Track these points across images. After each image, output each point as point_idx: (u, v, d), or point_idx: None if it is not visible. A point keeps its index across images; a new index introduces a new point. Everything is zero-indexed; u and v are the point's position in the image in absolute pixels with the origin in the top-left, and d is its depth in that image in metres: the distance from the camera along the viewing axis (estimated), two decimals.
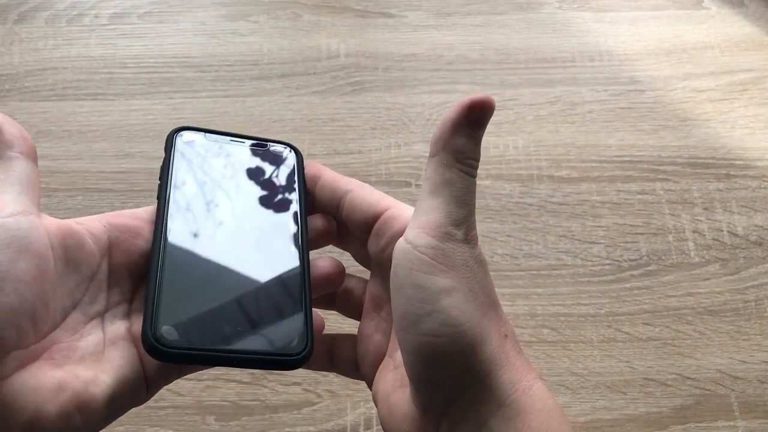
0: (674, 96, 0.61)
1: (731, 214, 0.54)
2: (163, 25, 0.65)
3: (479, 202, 0.54)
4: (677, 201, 0.55)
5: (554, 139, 0.58)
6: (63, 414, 0.21)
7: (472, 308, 0.23)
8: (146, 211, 0.27)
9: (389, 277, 0.25)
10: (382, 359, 0.28)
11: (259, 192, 0.30)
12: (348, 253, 0.32)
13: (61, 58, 0.62)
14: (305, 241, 0.29)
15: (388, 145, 0.58)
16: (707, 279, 0.51)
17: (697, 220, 0.54)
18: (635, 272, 0.52)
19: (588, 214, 0.54)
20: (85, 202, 0.54)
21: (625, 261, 0.52)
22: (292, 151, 0.32)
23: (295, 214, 0.30)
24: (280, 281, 0.27)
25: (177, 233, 0.26)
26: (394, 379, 0.27)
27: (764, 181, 0.56)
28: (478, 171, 0.25)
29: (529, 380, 0.24)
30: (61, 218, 0.25)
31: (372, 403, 0.46)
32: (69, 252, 0.24)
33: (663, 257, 0.52)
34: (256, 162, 0.31)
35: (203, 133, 0.30)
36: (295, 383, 0.47)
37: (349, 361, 0.30)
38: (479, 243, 0.25)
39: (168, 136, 0.30)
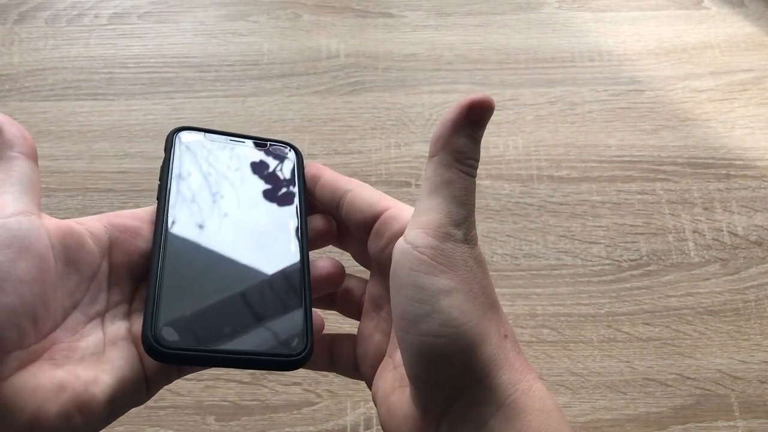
0: (674, 96, 0.61)
1: (731, 214, 0.54)
2: (163, 25, 0.65)
3: (479, 202, 0.54)
4: (677, 201, 0.55)
5: (554, 139, 0.58)
6: (63, 414, 0.21)
7: (472, 308, 0.23)
8: (146, 211, 0.27)
9: (389, 277, 0.25)
10: (382, 359, 0.28)
11: (259, 192, 0.30)
12: (348, 253, 0.32)
13: (61, 58, 0.62)
14: (305, 242, 0.29)
15: (388, 145, 0.58)
16: (707, 279, 0.51)
17: (697, 220, 0.54)
18: (635, 272, 0.52)
19: (588, 214, 0.54)
20: (85, 202, 0.54)
21: (625, 261, 0.52)
22: (292, 150, 0.32)
23: (295, 214, 0.30)
24: (280, 281, 0.27)
25: (177, 233, 0.26)
26: (393, 379, 0.27)
27: (764, 181, 0.56)
28: (478, 171, 0.25)
29: (528, 380, 0.24)
30: (61, 218, 0.25)
31: (372, 403, 0.46)
32: (69, 252, 0.24)
33: (663, 257, 0.52)
34: (256, 162, 0.31)
35: (203, 133, 0.30)
36: (295, 383, 0.47)
37: (349, 360, 0.30)
38: (479, 243, 0.25)
39: (168, 136, 0.30)
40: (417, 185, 0.55)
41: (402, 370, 0.26)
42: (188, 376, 0.38)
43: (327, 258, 0.30)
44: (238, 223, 0.28)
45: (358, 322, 0.31)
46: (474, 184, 0.25)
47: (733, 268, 0.52)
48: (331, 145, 0.57)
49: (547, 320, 0.50)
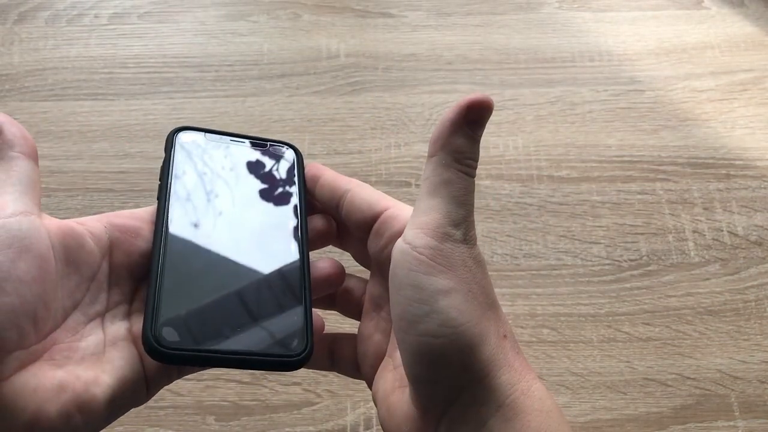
0: (674, 96, 0.61)
1: (731, 214, 0.54)
2: (163, 25, 0.65)
3: (479, 202, 0.54)
4: (677, 201, 0.55)
5: (554, 139, 0.58)
6: (64, 414, 0.21)
7: (471, 309, 0.23)
8: (147, 211, 0.28)
9: (389, 277, 0.25)
10: (382, 359, 0.29)
11: (259, 192, 0.30)
12: (348, 253, 0.32)
13: (61, 58, 0.62)
14: (305, 242, 0.29)
15: (388, 145, 0.58)
16: (707, 279, 0.51)
17: (697, 220, 0.54)
18: (635, 272, 0.52)
19: (588, 214, 0.54)
20: (85, 202, 0.54)
21: (625, 261, 0.52)
22: (292, 150, 0.32)
23: (296, 214, 0.30)
24: (281, 282, 0.27)
25: (177, 234, 0.26)
26: (393, 379, 0.27)
27: (764, 181, 0.56)
28: (478, 171, 0.25)
29: (527, 380, 0.24)
30: (61, 218, 0.25)
31: (372, 403, 0.46)
32: (70, 252, 0.24)
33: (663, 257, 0.52)
34: (256, 162, 0.31)
35: (203, 133, 0.31)
36: (295, 383, 0.47)
37: (350, 360, 0.30)
38: (478, 243, 0.25)
39: (168, 136, 0.30)
40: (417, 185, 0.55)
41: (402, 370, 0.26)
42: (188, 376, 0.38)
43: (327, 258, 0.30)
44: (238, 223, 0.28)
45: (359, 322, 0.31)
46: (473, 184, 0.25)
47: (733, 268, 0.52)
48: (331, 145, 0.57)
49: (547, 320, 0.50)
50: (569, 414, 0.46)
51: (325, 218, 0.31)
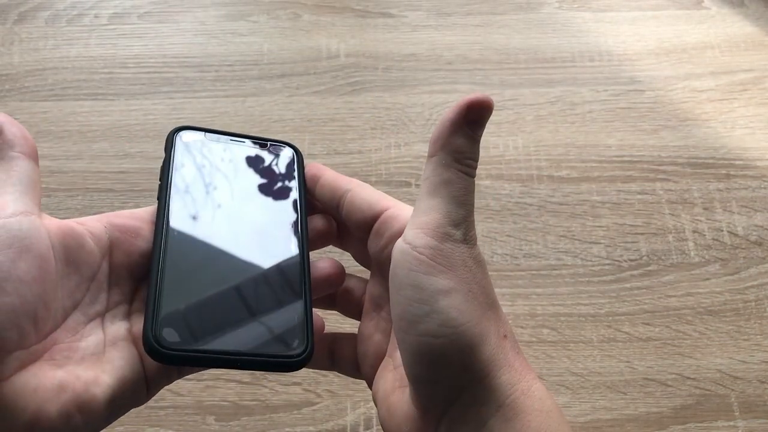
0: (674, 96, 0.61)
1: (731, 214, 0.54)
2: (163, 25, 0.65)
3: (479, 202, 0.54)
4: (677, 201, 0.55)
5: (554, 139, 0.58)
6: (64, 414, 0.21)
7: (471, 309, 0.23)
8: (147, 211, 0.27)
9: (389, 277, 0.25)
10: (382, 359, 0.29)
11: (259, 192, 0.30)
12: (348, 253, 0.32)
13: (61, 58, 0.62)
14: (305, 242, 0.29)
15: (388, 145, 0.58)
16: (707, 279, 0.51)
17: (697, 220, 0.54)
18: (635, 272, 0.52)
19: (588, 214, 0.54)
20: (85, 202, 0.54)
21: (625, 261, 0.52)
22: (292, 150, 0.32)
23: (296, 214, 0.30)
24: (281, 282, 0.27)
25: (177, 234, 0.26)
26: (394, 379, 0.27)
27: (764, 181, 0.56)
28: (478, 171, 0.25)
29: (528, 380, 0.24)
30: (61, 218, 0.25)
31: (372, 403, 0.46)
32: (70, 252, 0.24)
33: (663, 257, 0.52)
34: (256, 162, 0.31)
35: (203, 132, 0.30)
36: (295, 383, 0.47)
37: (350, 360, 0.30)
38: (478, 243, 0.25)
39: (168, 135, 0.30)
40: (417, 185, 0.55)
41: (402, 370, 0.26)
42: (188, 376, 0.38)
43: (327, 259, 0.30)
44: (239, 224, 0.28)
45: (359, 322, 0.31)
46: (473, 184, 0.25)
47: (733, 268, 0.52)
48: (331, 145, 0.57)
49: (547, 320, 0.50)
50: (569, 414, 0.46)
51: (325, 218, 0.31)
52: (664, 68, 0.62)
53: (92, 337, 0.24)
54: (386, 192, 0.30)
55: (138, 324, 0.25)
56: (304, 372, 0.47)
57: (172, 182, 0.28)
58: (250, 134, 0.32)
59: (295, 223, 0.29)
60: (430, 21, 0.66)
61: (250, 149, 0.31)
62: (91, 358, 0.23)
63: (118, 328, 0.25)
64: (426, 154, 0.26)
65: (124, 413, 0.24)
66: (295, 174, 0.31)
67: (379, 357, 0.29)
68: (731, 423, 0.46)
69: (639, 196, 0.55)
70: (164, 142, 0.29)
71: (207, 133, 0.31)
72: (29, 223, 0.23)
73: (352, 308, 0.31)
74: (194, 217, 0.27)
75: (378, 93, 0.60)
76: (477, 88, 0.61)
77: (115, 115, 0.59)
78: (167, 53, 0.63)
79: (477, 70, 0.62)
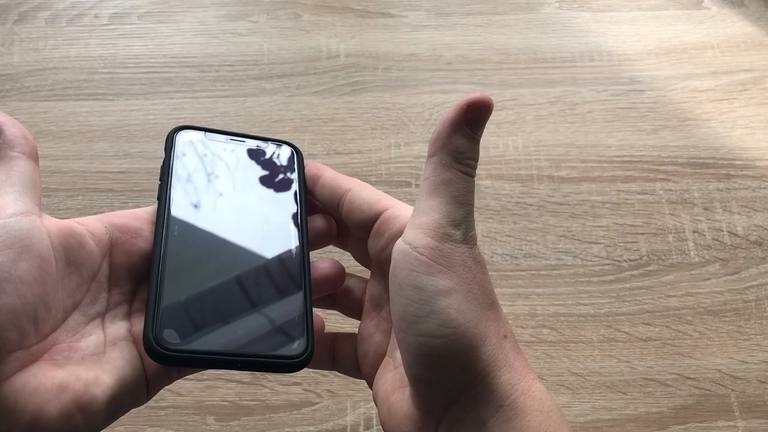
0: (674, 96, 0.61)
1: (731, 214, 0.54)
2: (163, 25, 0.65)
3: (479, 202, 0.54)
4: (677, 201, 0.55)
5: (554, 139, 0.58)
6: (64, 414, 0.21)
7: (471, 309, 0.23)
8: (147, 211, 0.27)
9: (389, 278, 0.25)
10: (383, 359, 0.29)
11: (259, 191, 0.30)
12: (348, 253, 0.32)
13: (61, 58, 0.62)
14: (306, 242, 0.29)
15: (388, 145, 0.58)
16: (707, 279, 0.51)
17: (697, 220, 0.54)
18: (635, 272, 0.52)
19: (588, 214, 0.54)
20: (85, 202, 0.54)
21: (625, 261, 0.52)
22: (293, 150, 0.32)
23: (296, 214, 0.30)
24: (281, 283, 0.27)
25: (178, 234, 0.26)
26: (394, 379, 0.27)
27: (764, 181, 0.56)
28: (478, 171, 0.25)
29: (527, 381, 0.24)
30: (61, 218, 0.25)
31: (372, 403, 0.46)
32: (70, 252, 0.24)
33: (663, 257, 0.52)
34: (256, 161, 0.31)
35: (203, 132, 0.30)
36: (295, 383, 0.47)
37: (351, 360, 0.30)
38: (478, 243, 0.25)
39: (168, 135, 0.30)
40: (417, 185, 0.55)
41: (402, 370, 0.26)
42: (188, 376, 0.38)
43: (327, 259, 0.30)
44: (239, 224, 0.28)
45: (359, 322, 0.31)
46: (473, 184, 0.25)
47: (733, 268, 0.52)
48: (331, 145, 0.57)
49: (547, 320, 0.50)
50: (569, 414, 0.46)
51: (325, 218, 0.31)
52: (664, 68, 0.62)
53: (92, 338, 0.24)
54: (386, 192, 0.30)
55: (138, 324, 0.25)
56: (304, 372, 0.47)
57: (172, 182, 0.28)
58: (250, 134, 0.32)
59: (295, 223, 0.29)
60: (430, 21, 0.66)
61: (250, 149, 0.31)
62: (91, 358, 0.23)
63: (118, 328, 0.25)
64: (426, 154, 0.26)
65: (125, 413, 0.24)
66: (295, 173, 0.31)
67: (379, 357, 0.29)
68: (731, 423, 0.46)
69: (639, 196, 0.55)
70: (164, 142, 0.29)
71: (207, 133, 0.31)
72: (29, 223, 0.23)
73: (352, 308, 0.31)
74: (194, 217, 0.27)
75: (378, 93, 0.60)
76: (477, 88, 0.61)
77: (115, 115, 0.59)
78: (167, 53, 0.63)
79: (477, 70, 0.62)
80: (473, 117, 0.24)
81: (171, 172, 0.28)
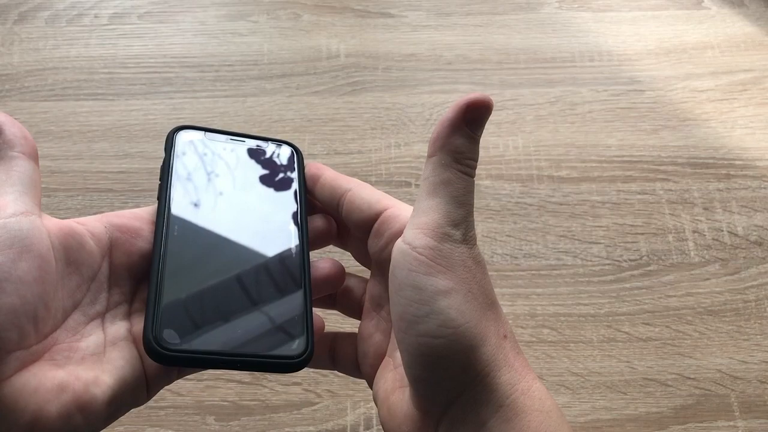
0: (674, 96, 0.61)
1: (731, 214, 0.54)
2: (163, 25, 0.65)
3: (479, 202, 0.54)
4: (677, 201, 0.55)
5: (554, 139, 0.58)
6: (64, 414, 0.21)
7: (471, 309, 0.23)
8: (147, 211, 0.27)
9: (388, 278, 0.25)
10: (383, 359, 0.29)
11: (259, 191, 0.30)
12: (348, 253, 0.32)
13: (61, 58, 0.62)
14: (306, 242, 0.29)
15: (388, 145, 0.58)
16: (707, 279, 0.51)
17: (697, 220, 0.54)
18: (635, 272, 0.52)
19: (588, 214, 0.54)
20: (85, 202, 0.54)
21: (625, 261, 0.52)
22: (293, 150, 0.32)
23: (296, 214, 0.30)
24: (281, 283, 0.27)
25: (178, 234, 0.26)
26: (394, 379, 0.27)
27: (764, 181, 0.56)
28: (478, 171, 0.25)
29: (527, 381, 0.24)
30: (61, 218, 0.25)
31: (372, 403, 0.46)
32: (70, 252, 0.24)
33: (663, 257, 0.52)
34: (256, 161, 0.31)
35: (203, 131, 0.30)
36: (295, 383, 0.47)
37: (351, 359, 0.30)
38: (478, 243, 0.25)
39: (168, 135, 0.30)
40: (417, 185, 0.55)
41: (402, 370, 0.26)
42: (188, 376, 0.38)
43: (327, 259, 0.30)
44: (239, 224, 0.28)
45: (359, 322, 0.31)
46: (473, 184, 0.25)
47: (733, 268, 0.52)
48: (331, 145, 0.57)
49: (547, 320, 0.50)
50: (569, 414, 0.46)
51: (325, 218, 0.31)
52: (664, 68, 0.62)
53: (92, 337, 0.24)
54: (386, 192, 0.30)
55: (138, 324, 0.25)
56: (304, 372, 0.47)
57: (172, 182, 0.28)
58: (250, 133, 0.32)
59: (295, 223, 0.29)
60: (430, 21, 0.66)
61: (250, 148, 0.31)
62: (91, 358, 0.23)
63: (118, 328, 0.25)
64: (426, 154, 0.26)
65: (124, 413, 0.24)
66: (295, 173, 0.31)
67: (380, 357, 0.29)
68: (731, 423, 0.46)
69: (639, 196, 0.55)
70: (164, 142, 0.29)
71: (207, 133, 0.31)
72: (29, 223, 0.23)
73: (352, 308, 0.31)
74: (194, 217, 0.27)
75: (378, 93, 0.60)
76: (477, 88, 0.61)
77: (115, 115, 0.59)
78: (167, 53, 0.63)
79: (477, 70, 0.62)
80: (473, 117, 0.24)
81: (171, 171, 0.28)
